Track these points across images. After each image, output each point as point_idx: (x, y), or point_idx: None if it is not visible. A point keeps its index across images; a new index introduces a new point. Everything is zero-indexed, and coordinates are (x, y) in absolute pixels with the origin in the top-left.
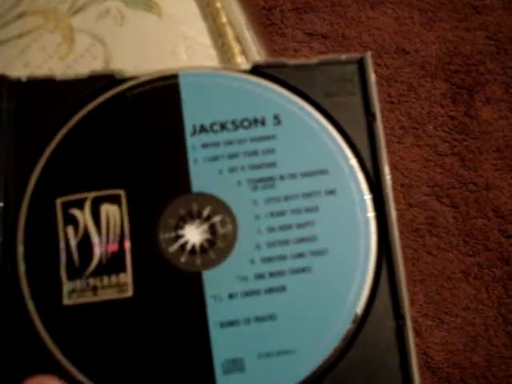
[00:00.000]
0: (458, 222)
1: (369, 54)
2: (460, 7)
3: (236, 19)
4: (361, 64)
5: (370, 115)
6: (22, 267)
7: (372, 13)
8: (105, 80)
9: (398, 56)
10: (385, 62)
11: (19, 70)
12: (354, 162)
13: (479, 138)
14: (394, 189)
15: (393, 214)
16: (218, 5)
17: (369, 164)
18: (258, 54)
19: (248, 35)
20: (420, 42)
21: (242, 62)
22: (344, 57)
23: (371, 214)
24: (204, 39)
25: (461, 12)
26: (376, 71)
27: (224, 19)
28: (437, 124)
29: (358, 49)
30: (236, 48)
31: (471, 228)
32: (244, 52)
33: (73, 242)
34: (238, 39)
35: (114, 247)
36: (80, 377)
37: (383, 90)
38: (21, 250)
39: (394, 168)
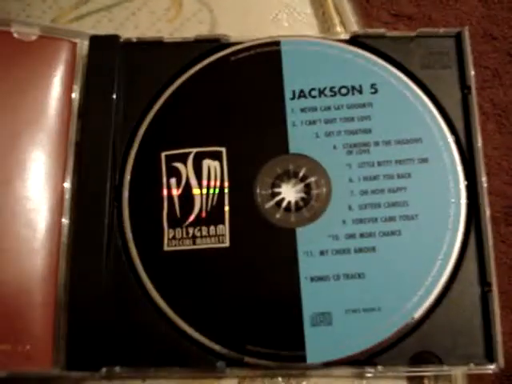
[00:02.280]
0: None
1: (466, 28)
2: None
3: None
4: (458, 38)
5: (465, 88)
6: (126, 213)
7: None
8: (210, 44)
9: (484, 41)
10: (470, 47)
11: (130, 32)
12: (448, 132)
13: None
14: None
15: (484, 184)
16: None
17: (462, 135)
18: (356, 25)
19: (347, 6)
20: (508, 28)
21: (341, 32)
22: (442, 30)
23: (463, 184)
24: (305, 8)
25: None
26: None
27: None
28: None
29: None
30: (336, 18)
31: None
32: (342, 23)
33: (175, 193)
34: (338, 10)
35: (213, 200)
36: (175, 318)
37: None
38: (126, 199)
39: None
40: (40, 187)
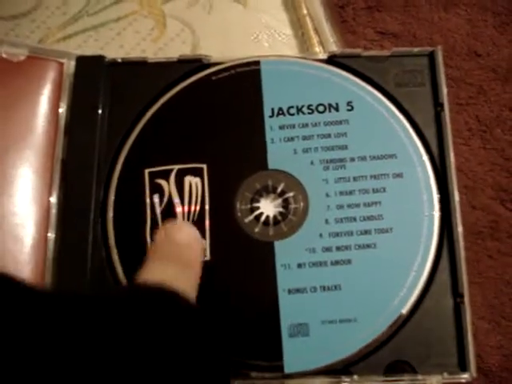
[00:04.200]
0: None
1: (439, 47)
2: None
3: (315, 12)
4: (431, 57)
5: (438, 105)
6: (111, 228)
7: (445, 14)
8: (193, 64)
9: (468, 58)
10: (455, 64)
11: (115, 51)
12: (421, 148)
13: None
14: (458, 190)
15: (456, 198)
16: None
17: (435, 150)
18: (334, 45)
19: (326, 27)
20: (492, 45)
21: (320, 52)
22: (415, 50)
23: (436, 197)
24: (285, 29)
25: None
26: (446, 72)
27: (304, 11)
28: (505, 128)
29: None
30: (315, 38)
31: None
32: (321, 43)
33: (158, 208)
34: (317, 31)
35: (195, 215)
36: None
37: (452, 92)
38: (110, 214)
39: (458, 170)
40: (26, 202)
